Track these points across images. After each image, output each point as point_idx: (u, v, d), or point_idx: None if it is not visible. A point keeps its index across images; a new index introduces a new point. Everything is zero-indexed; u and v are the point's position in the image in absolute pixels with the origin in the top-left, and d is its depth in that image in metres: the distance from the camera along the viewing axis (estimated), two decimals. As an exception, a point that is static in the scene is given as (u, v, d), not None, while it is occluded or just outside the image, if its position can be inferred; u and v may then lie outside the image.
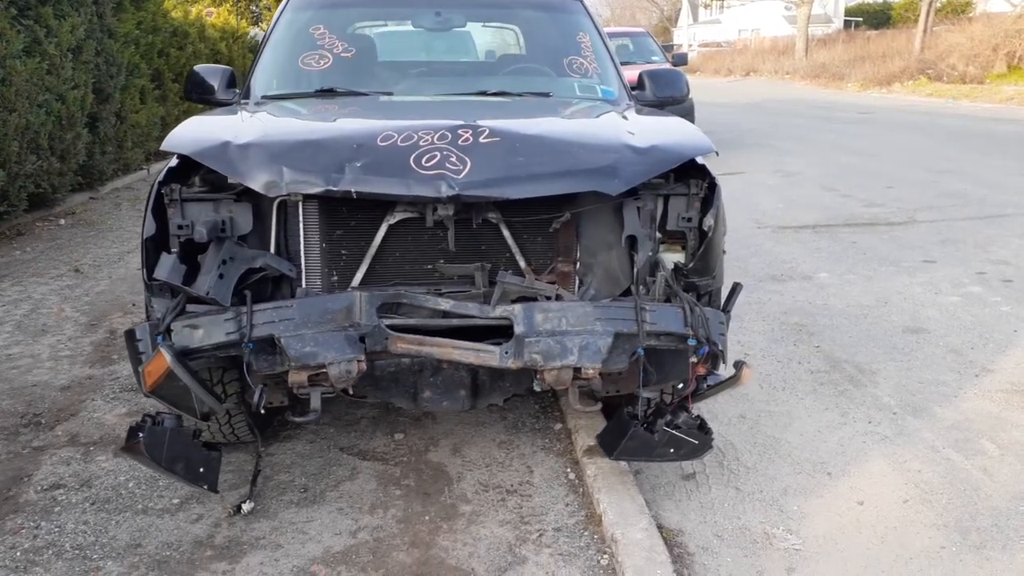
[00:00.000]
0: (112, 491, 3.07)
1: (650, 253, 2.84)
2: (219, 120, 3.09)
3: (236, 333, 2.58)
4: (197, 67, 4.13)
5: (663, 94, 4.17)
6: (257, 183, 2.56)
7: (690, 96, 4.22)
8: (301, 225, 2.77)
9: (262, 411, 2.68)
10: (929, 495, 2.96)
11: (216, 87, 3.99)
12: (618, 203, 2.81)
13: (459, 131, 2.69)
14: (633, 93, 4.06)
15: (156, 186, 2.68)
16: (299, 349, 2.57)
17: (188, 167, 2.74)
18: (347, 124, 3.10)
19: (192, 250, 2.70)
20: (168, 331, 2.57)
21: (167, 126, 10.52)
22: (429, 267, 2.85)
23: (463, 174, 2.55)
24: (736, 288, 2.95)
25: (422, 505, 2.96)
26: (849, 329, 4.64)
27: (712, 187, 2.82)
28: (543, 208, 2.77)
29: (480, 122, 2.76)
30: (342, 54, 3.95)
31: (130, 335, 2.62)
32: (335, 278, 2.82)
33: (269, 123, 2.97)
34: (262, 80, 3.91)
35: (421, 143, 2.65)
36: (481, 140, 2.68)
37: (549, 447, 3.36)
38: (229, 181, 2.71)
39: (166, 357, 2.50)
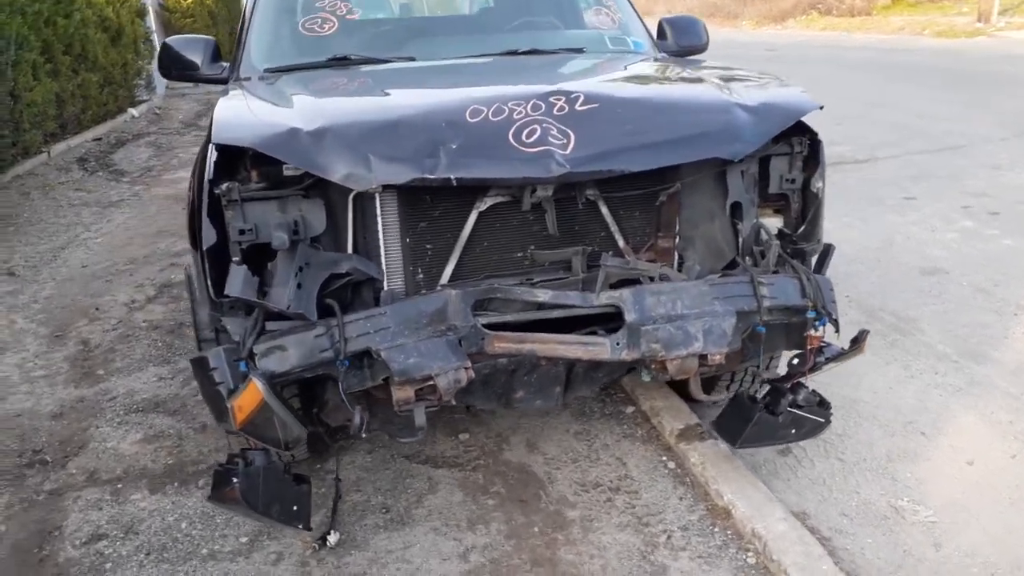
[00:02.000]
0: (165, 535, 2.68)
1: (754, 220, 2.64)
2: (263, 104, 2.65)
3: (330, 350, 2.24)
4: (170, 40, 3.60)
5: (685, 43, 3.92)
6: (341, 176, 2.19)
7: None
8: (379, 220, 2.41)
9: (363, 435, 2.36)
10: (1022, 435, 2.93)
11: (200, 62, 3.49)
12: (721, 168, 2.58)
13: (551, 99, 2.38)
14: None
15: (207, 185, 2.26)
16: (403, 362, 2.25)
17: (230, 161, 2.34)
18: (418, 99, 2.72)
19: (248, 258, 2.31)
20: (251, 355, 2.21)
21: (63, 103, 9.57)
22: (520, 255, 2.55)
23: (570, 149, 2.25)
24: (829, 250, 2.79)
25: (524, 515, 2.71)
26: (868, 275, 4.60)
27: (815, 144, 2.62)
28: (645, 180, 2.51)
29: (571, 87, 2.46)
30: (347, 16, 3.52)
31: (201, 364, 2.24)
32: (420, 276, 2.49)
33: (328, 104, 2.56)
34: (258, 51, 3.43)
35: (515, 116, 2.33)
36: (578, 108, 2.38)
37: (630, 434, 3.15)
38: (287, 173, 2.32)
39: (260, 389, 2.15)
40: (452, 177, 2.20)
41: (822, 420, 2.63)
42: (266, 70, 3.29)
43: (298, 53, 3.40)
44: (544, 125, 2.30)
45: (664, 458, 2.98)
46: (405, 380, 2.27)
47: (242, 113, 2.49)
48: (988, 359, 3.57)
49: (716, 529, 2.57)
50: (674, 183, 2.54)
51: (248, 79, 3.23)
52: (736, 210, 2.62)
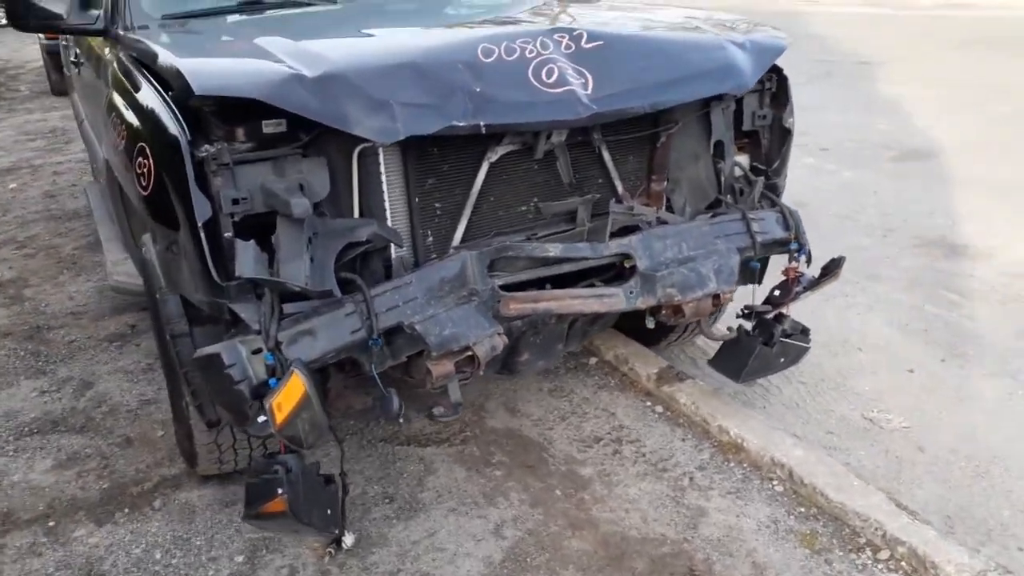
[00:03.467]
0: (141, 571, 2.29)
1: (734, 158, 2.69)
2: (234, 48, 2.26)
3: (362, 329, 2.00)
4: None
5: None
6: (365, 128, 1.92)
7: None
8: (383, 178, 2.15)
9: (400, 420, 2.14)
10: (941, 341, 3.26)
11: (65, 11, 2.92)
12: (706, 108, 2.58)
13: (556, 37, 2.23)
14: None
15: (186, 148, 1.90)
16: (439, 334, 2.07)
17: (205, 118, 1.98)
18: (416, 39, 2.44)
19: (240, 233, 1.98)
20: (278, 344, 1.91)
21: None
22: (524, 208, 2.41)
23: (591, 88, 2.14)
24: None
25: (539, 479, 2.60)
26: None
27: (782, 81, 2.70)
28: (645, 123, 2.46)
29: (572, 25, 2.33)
30: (251, -46, 3.08)
31: (212, 362, 1.90)
32: (430, 239, 2.27)
33: (319, 47, 2.21)
34: (149, -5, 2.92)
35: (528, 54, 2.16)
36: (585, 46, 2.25)
37: (605, 384, 3.13)
38: (267, 130, 1.99)
39: (304, 382, 1.87)
40: (481, 124, 2.02)
41: (806, 345, 2.76)
42: (164, 17, 2.81)
43: (194, -2, 2.94)
44: (559, 64, 2.16)
45: (649, 403, 2.99)
46: (444, 353, 2.08)
47: (216, 60, 2.11)
48: (881, 278, 3.93)
49: (732, 464, 2.63)
50: (672, 123, 2.50)
51: (145, 27, 2.74)
52: (719, 149, 2.64)
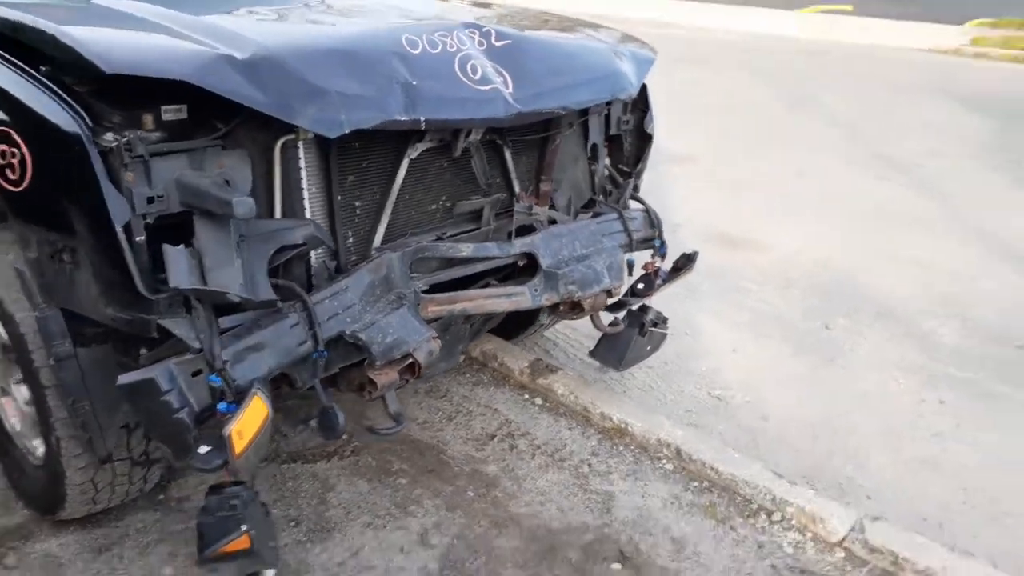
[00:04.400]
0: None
1: (605, 162, 2.87)
2: (112, 19, 1.93)
3: (308, 342, 1.86)
4: None
5: None
6: (309, 119, 1.79)
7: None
8: (303, 175, 2.01)
9: (343, 437, 2.01)
10: (748, 324, 3.73)
11: None
12: (584, 115, 2.72)
13: (469, 32, 2.24)
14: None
15: (88, 138, 1.63)
16: (382, 342, 2.01)
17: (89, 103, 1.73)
18: (337, 24, 2.24)
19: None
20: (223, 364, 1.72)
21: None
22: (433, 207, 2.37)
23: (511, 87, 2.19)
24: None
25: (446, 482, 2.58)
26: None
27: (643, 90, 2.92)
28: (541, 125, 2.54)
29: (477, 22, 2.34)
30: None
31: (147, 386, 1.66)
32: (350, 240, 2.16)
33: (238, 27, 1.96)
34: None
35: (450, 48, 2.15)
36: (496, 44, 2.28)
37: (479, 380, 3.16)
38: (167, 117, 1.76)
39: (266, 404, 1.72)
40: (422, 119, 1.98)
41: (666, 332, 3.02)
42: None
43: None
44: (479, 60, 2.17)
45: (527, 396, 3.07)
46: (387, 362, 2.00)
47: (117, 33, 1.81)
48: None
49: (621, 448, 2.80)
50: (567, 126, 2.60)
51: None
52: (594, 152, 2.80)
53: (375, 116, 1.89)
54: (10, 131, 1.73)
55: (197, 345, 1.70)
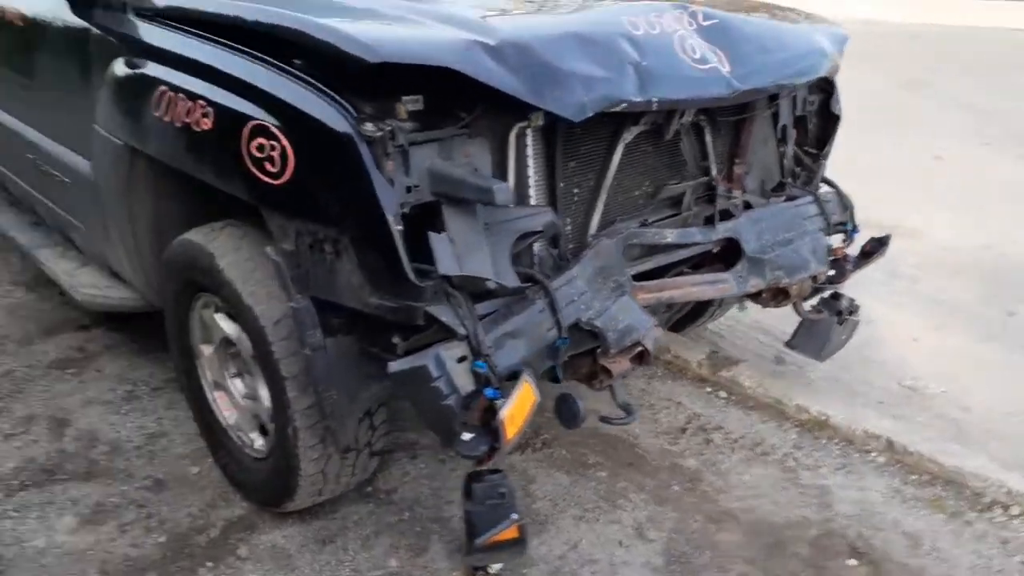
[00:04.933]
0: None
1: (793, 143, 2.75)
2: (373, 12, 1.93)
3: (553, 329, 1.82)
4: None
5: None
6: (559, 104, 1.76)
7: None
8: (530, 161, 1.97)
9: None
10: (924, 311, 3.54)
11: None
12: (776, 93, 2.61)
13: (679, 14, 2.16)
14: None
15: (355, 129, 1.62)
16: (616, 329, 1.95)
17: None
18: (568, 11, 2.23)
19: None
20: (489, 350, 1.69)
21: None
22: (637, 193, 2.30)
23: (727, 65, 2.11)
24: None
25: (648, 476, 2.50)
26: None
27: None
28: (735, 107, 2.44)
29: (683, 2, 2.27)
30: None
31: (419, 373, 1.63)
32: (568, 227, 2.11)
33: (468, 13, 1.95)
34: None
35: (668, 28, 2.08)
36: (703, 23, 2.20)
37: (653, 373, 3.07)
38: (410, 107, 1.72)
39: (534, 389, 1.68)
40: (654, 100, 1.91)
41: (858, 320, 2.88)
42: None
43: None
44: (694, 40, 2.10)
45: (709, 389, 2.98)
46: (620, 350, 1.95)
47: (372, 25, 1.80)
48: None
49: (823, 441, 2.68)
50: (762, 106, 2.49)
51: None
52: (783, 133, 2.68)
53: (613, 98, 1.84)
54: (269, 126, 1.74)
55: (463, 332, 1.67)
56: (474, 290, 1.73)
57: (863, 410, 2.75)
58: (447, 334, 1.67)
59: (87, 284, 2.80)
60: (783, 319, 3.00)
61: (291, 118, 1.71)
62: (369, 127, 1.63)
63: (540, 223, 1.89)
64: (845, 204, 2.72)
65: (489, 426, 1.67)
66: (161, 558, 2.14)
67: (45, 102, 2.72)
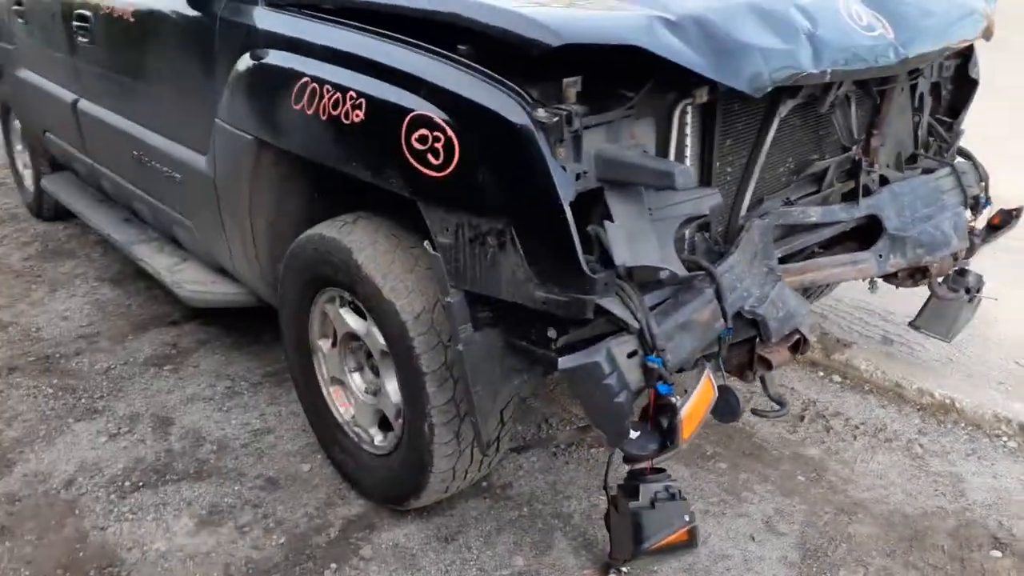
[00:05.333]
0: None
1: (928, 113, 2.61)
2: None
3: (720, 320, 1.73)
4: None
5: None
6: (740, 79, 1.63)
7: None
8: (689, 140, 1.86)
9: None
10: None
11: None
12: None
13: None
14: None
15: (531, 118, 1.53)
16: (776, 317, 1.85)
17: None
18: None
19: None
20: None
21: None
22: (781, 170, 2.19)
23: (891, 32, 1.98)
24: None
25: (771, 467, 2.42)
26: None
27: None
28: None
29: None
30: None
31: (591, 370, 1.55)
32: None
33: None
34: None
35: None
36: None
37: (760, 358, 2.97)
38: (575, 89, 1.64)
39: (713, 384, 1.60)
40: (828, 71, 1.79)
41: (985, 297, 2.74)
42: None
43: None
44: (857, 7, 1.98)
45: (822, 373, 2.87)
46: (781, 339, 1.86)
47: (550, 8, 1.70)
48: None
49: (949, 426, 2.57)
50: (904, 75, 2.35)
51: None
52: (921, 101, 2.54)
53: (791, 70, 1.72)
54: (433, 117, 1.66)
55: (636, 325, 1.59)
56: (644, 280, 1.65)
57: (988, 391, 2.63)
58: (617, 327, 1.60)
59: (191, 280, 2.79)
60: (885, 297, 2.89)
61: (460, 108, 1.63)
62: (542, 113, 1.55)
63: (707, 206, 1.78)
64: (981, 175, 2.59)
65: (659, 424, 1.60)
66: (283, 560, 2.11)
67: (155, 98, 2.69)
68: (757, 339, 1.87)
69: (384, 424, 2.23)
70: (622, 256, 1.55)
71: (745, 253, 1.88)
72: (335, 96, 1.87)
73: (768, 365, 1.90)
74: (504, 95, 1.58)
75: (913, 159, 2.56)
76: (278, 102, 2.05)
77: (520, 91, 1.57)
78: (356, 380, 2.26)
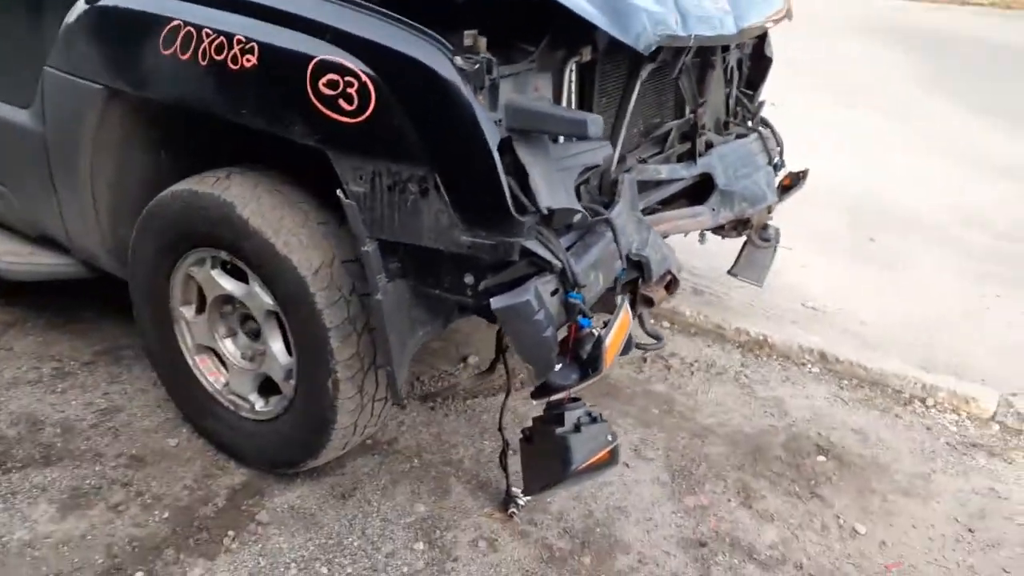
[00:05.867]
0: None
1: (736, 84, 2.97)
2: None
3: (619, 260, 1.91)
4: None
5: None
6: (633, 35, 1.82)
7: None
8: (573, 96, 2.01)
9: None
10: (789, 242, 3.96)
11: None
12: None
13: None
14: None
15: (454, 65, 1.59)
16: (656, 260, 2.07)
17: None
18: None
19: None
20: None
21: None
22: (635, 131, 2.41)
23: (727, 7, 2.28)
24: None
25: (628, 403, 2.66)
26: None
27: None
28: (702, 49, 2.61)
29: None
30: None
31: (521, 308, 1.66)
32: None
33: None
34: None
35: None
36: None
37: (599, 310, 3.22)
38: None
39: (630, 315, 1.76)
40: (692, 35, 2.02)
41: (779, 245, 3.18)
42: None
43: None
44: None
45: (653, 320, 3.15)
46: (658, 279, 2.07)
47: None
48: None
49: (764, 358, 2.96)
50: (721, 49, 2.66)
51: None
52: (731, 75, 2.89)
53: (667, 32, 1.91)
54: (342, 62, 1.63)
55: (560, 265, 1.69)
56: (560, 224, 1.75)
57: (789, 328, 3.06)
58: (537, 269, 1.69)
59: (3, 252, 2.48)
60: (683, 256, 3.24)
61: (377, 56, 1.62)
62: (461, 61, 1.59)
63: (600, 157, 1.93)
64: (777, 141, 2.98)
65: (578, 356, 1.72)
66: (172, 533, 2.00)
67: None
68: (640, 279, 2.06)
69: (265, 389, 2.16)
70: (545, 200, 1.65)
71: (625, 203, 2.06)
72: (218, 40, 1.78)
73: (650, 303, 2.10)
74: (426, 43, 1.61)
75: (726, 126, 2.91)
76: (141, 48, 1.90)
77: (439, 38, 1.60)
78: (229, 346, 2.17)
